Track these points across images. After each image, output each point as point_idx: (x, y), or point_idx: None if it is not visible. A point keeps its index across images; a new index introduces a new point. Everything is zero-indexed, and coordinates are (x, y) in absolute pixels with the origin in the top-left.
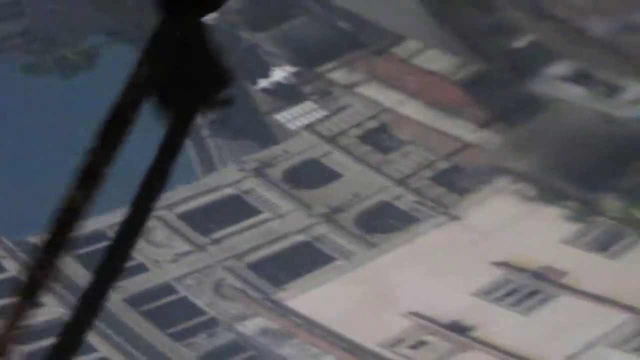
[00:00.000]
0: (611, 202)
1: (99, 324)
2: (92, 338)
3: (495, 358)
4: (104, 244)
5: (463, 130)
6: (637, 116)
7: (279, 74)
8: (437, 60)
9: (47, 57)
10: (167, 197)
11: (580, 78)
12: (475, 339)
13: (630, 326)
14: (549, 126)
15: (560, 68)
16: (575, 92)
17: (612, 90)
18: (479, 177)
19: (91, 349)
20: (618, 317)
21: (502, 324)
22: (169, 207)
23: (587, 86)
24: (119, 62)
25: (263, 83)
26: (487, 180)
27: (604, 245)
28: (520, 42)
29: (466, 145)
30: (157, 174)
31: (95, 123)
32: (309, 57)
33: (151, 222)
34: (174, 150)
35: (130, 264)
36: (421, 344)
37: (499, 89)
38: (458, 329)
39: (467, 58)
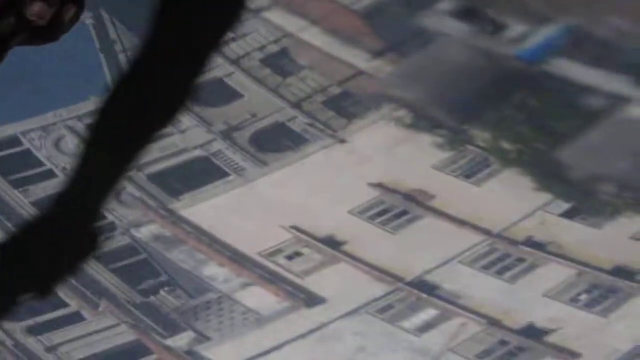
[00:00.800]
0: (481, 133)
1: (7, 223)
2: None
3: (362, 271)
4: (17, 150)
5: (357, 58)
6: (516, 54)
7: None
8: None
9: None
10: (78, 108)
11: (467, 15)
12: (345, 253)
13: (483, 247)
14: (434, 59)
15: (449, 4)
16: (461, 28)
17: (496, 28)
18: (367, 104)
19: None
20: (474, 239)
21: (372, 241)
22: (80, 117)
23: (473, 23)
24: None
25: None
26: (374, 107)
27: (470, 172)
28: None
29: (359, 73)
30: None
31: None
32: None
33: (61, 131)
34: None
35: (38, 170)
36: (297, 254)
37: (394, 21)
38: (331, 243)
39: None
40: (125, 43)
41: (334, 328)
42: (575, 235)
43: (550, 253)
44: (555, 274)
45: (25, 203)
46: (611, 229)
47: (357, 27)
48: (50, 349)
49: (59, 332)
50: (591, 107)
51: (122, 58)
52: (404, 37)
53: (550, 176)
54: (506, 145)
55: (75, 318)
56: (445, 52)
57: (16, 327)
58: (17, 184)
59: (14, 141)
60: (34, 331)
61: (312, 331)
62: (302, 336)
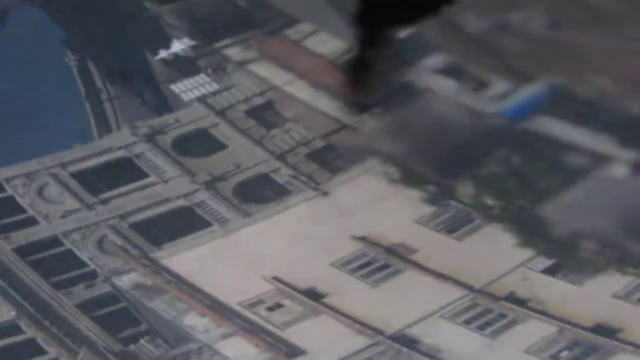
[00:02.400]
0: (464, 188)
1: None
2: None
3: (342, 324)
4: (1, 195)
5: (342, 112)
6: (499, 111)
7: (178, 46)
8: (326, 44)
9: None
10: (62, 155)
11: (452, 71)
12: (326, 305)
13: (464, 302)
14: (419, 114)
15: (435, 60)
16: (446, 84)
17: (479, 85)
18: (351, 157)
19: None
20: (455, 293)
21: (353, 293)
22: (64, 165)
23: (458, 79)
24: (26, 24)
25: (162, 54)
26: (358, 160)
27: (452, 227)
28: (402, 33)
29: (343, 126)
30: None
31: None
32: (207, 32)
33: (45, 178)
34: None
35: (21, 217)
36: (278, 306)
37: (379, 76)
38: (313, 294)
39: (353, 44)
40: (110, 91)
41: None
42: (557, 291)
43: (531, 309)
44: (536, 330)
45: (6, 249)
46: (592, 286)
47: (342, 81)
48: None
49: None
50: (573, 164)
51: (108, 106)
52: (388, 92)
53: (532, 232)
54: (489, 201)
55: None
56: (429, 107)
57: None
58: None
59: None
60: None
61: None
62: None
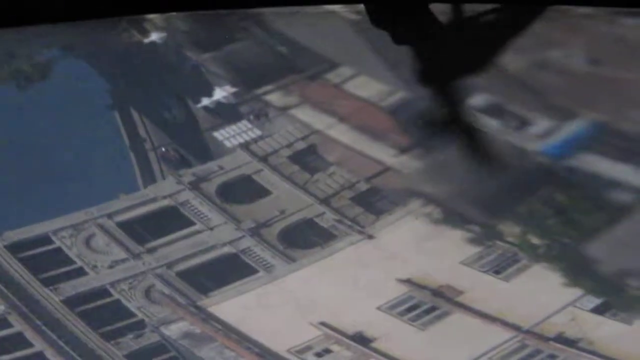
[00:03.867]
0: (509, 228)
1: (37, 321)
2: (29, 334)
3: None
4: (48, 248)
5: (385, 154)
6: (542, 149)
7: (220, 93)
8: (367, 87)
9: (3, 69)
10: (108, 206)
11: (494, 111)
12: (375, 350)
13: (513, 343)
14: (460, 154)
15: (477, 100)
16: (488, 124)
17: (522, 124)
18: (394, 199)
19: (28, 344)
20: (503, 335)
21: (401, 337)
22: (110, 215)
23: (500, 119)
24: (70, 75)
25: (205, 101)
26: (402, 202)
27: (499, 268)
28: (447, 75)
29: (386, 169)
30: None
31: (46, 127)
32: (248, 79)
33: (92, 229)
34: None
35: (70, 267)
36: (327, 351)
37: (420, 117)
38: (361, 339)
39: (395, 86)
40: (155, 140)
41: None
42: (606, 330)
43: (581, 349)
44: None
45: (55, 300)
46: None
47: (383, 123)
48: None
49: None
50: (618, 201)
51: (152, 156)
52: (430, 133)
53: (579, 271)
54: (535, 240)
55: None
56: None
57: None
58: (48, 282)
59: (44, 240)
60: None
61: None
62: None
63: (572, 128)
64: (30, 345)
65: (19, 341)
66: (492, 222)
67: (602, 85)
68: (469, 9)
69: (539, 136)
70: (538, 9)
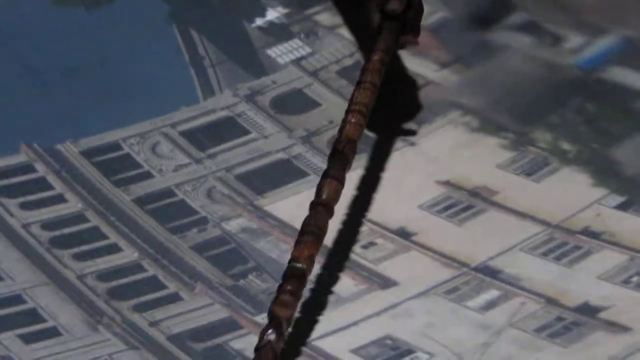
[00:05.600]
0: (542, 135)
1: (111, 217)
2: (104, 228)
3: (430, 258)
4: (119, 153)
5: (427, 69)
6: (574, 63)
7: (272, 14)
8: None
9: None
10: (171, 116)
11: (529, 28)
12: (415, 242)
13: (540, 236)
14: (498, 69)
15: (513, 18)
16: (523, 41)
17: (555, 40)
18: (435, 110)
19: (103, 236)
20: (533, 229)
21: (439, 232)
22: (173, 125)
23: (535, 36)
24: None
25: (258, 22)
26: (442, 113)
27: (531, 170)
28: None
29: (428, 82)
30: None
31: (113, 45)
32: (298, 0)
33: (157, 137)
34: None
35: (138, 171)
36: (371, 244)
37: (459, 35)
38: (403, 234)
39: (435, 6)
40: (213, 58)
41: (406, 307)
42: (628, 224)
43: (604, 241)
44: (609, 259)
45: (126, 199)
46: None
47: (426, 40)
48: (153, 324)
49: (160, 310)
50: None
51: (210, 72)
52: (469, 49)
53: (605, 173)
54: (565, 146)
55: (174, 298)
56: (507, 62)
57: (123, 305)
58: (119, 184)
59: (114, 146)
60: (139, 309)
61: (385, 309)
62: (377, 314)
63: (603, 43)
64: (106, 237)
65: (96, 235)
66: (525, 129)
67: (633, 3)
68: None
69: (572, 51)
70: None
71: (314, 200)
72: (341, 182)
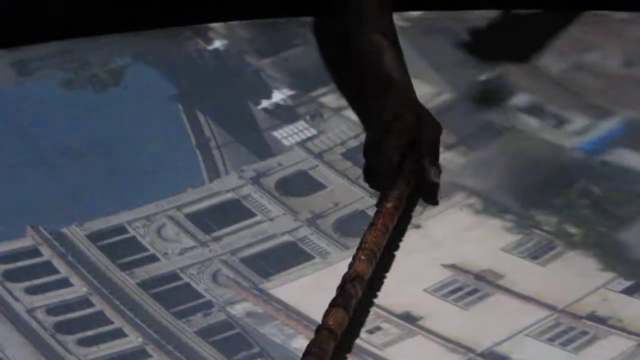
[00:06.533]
0: (546, 218)
1: (116, 302)
2: (109, 313)
3: (437, 343)
4: (124, 237)
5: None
6: (578, 146)
7: (278, 96)
8: (415, 89)
9: (81, 75)
10: (177, 199)
11: (534, 110)
12: (421, 327)
13: (548, 321)
14: (502, 151)
15: (517, 100)
16: (528, 122)
17: (559, 122)
18: (440, 193)
19: (108, 322)
20: (539, 314)
21: (445, 316)
22: (179, 207)
23: (539, 118)
24: (141, 80)
25: (264, 104)
26: (446, 195)
27: (536, 254)
28: (486, 75)
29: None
30: None
31: (120, 127)
32: (305, 82)
33: (162, 220)
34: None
35: (144, 254)
36: (377, 329)
37: (464, 117)
38: (408, 318)
39: (440, 88)
40: (218, 140)
41: None
42: (635, 309)
43: (611, 326)
44: (615, 345)
45: (131, 283)
46: None
47: None
48: None
49: None
50: None
51: (216, 153)
52: (473, 131)
53: (611, 257)
54: (570, 229)
55: None
56: (512, 144)
57: None
58: (124, 267)
59: (120, 229)
60: None
61: None
62: None
63: (607, 125)
64: (111, 322)
65: (100, 319)
66: (530, 212)
67: (636, 85)
68: (513, 15)
69: (576, 133)
70: (576, 14)
71: (320, 325)
72: (347, 311)
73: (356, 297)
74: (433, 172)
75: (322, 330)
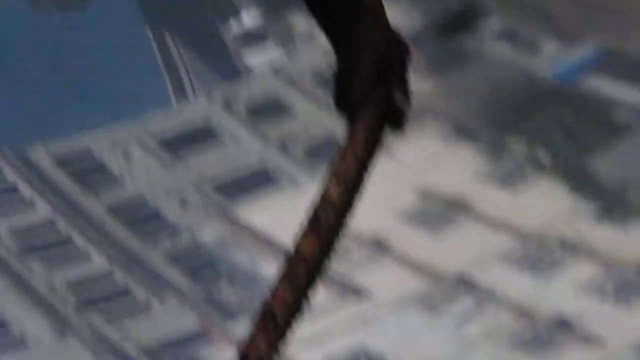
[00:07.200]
0: (516, 143)
1: (85, 229)
2: (77, 240)
3: (405, 267)
4: (91, 160)
5: None
6: (550, 72)
7: (247, 17)
8: (387, 14)
9: None
10: (144, 122)
11: (505, 35)
12: (389, 251)
13: (513, 244)
14: (474, 77)
15: (490, 25)
16: (499, 48)
17: (532, 47)
18: (411, 118)
19: (74, 245)
20: (505, 237)
21: (413, 240)
22: (147, 131)
23: (510, 42)
24: (108, 1)
25: (233, 25)
26: (417, 120)
27: (506, 179)
28: (457, 0)
29: None
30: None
31: (84, 49)
32: (273, 1)
33: (130, 144)
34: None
35: (111, 178)
36: (347, 253)
37: (436, 42)
38: (376, 242)
39: (413, 14)
40: (187, 62)
41: (379, 318)
42: (602, 234)
43: (580, 251)
44: (584, 270)
45: (98, 207)
46: (637, 230)
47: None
48: (123, 334)
49: (130, 320)
50: (620, 119)
51: (184, 74)
52: (445, 57)
53: (581, 182)
54: (540, 154)
55: (145, 307)
56: (484, 69)
57: (93, 315)
58: (91, 191)
59: (87, 153)
60: (109, 319)
61: (359, 320)
62: (351, 324)
63: (579, 52)
64: (76, 246)
65: (66, 243)
66: (500, 138)
67: (608, 11)
68: None
69: (548, 59)
70: None
71: (290, 251)
72: (318, 237)
73: (327, 223)
74: (403, 98)
75: (292, 256)
